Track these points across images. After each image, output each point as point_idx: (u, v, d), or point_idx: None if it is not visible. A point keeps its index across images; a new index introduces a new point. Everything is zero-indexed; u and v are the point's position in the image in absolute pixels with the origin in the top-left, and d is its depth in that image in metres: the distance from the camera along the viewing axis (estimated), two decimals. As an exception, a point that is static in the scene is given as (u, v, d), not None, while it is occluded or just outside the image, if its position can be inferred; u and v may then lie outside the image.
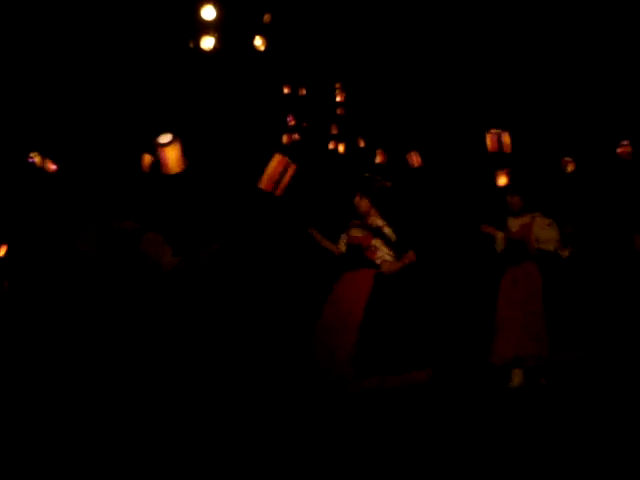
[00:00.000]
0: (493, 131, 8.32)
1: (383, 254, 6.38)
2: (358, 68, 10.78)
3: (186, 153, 5.57)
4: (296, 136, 10.53)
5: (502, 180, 8.47)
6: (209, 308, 7.73)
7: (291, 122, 10.59)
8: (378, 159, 10.58)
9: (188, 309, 7.18)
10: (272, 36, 9.29)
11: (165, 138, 5.49)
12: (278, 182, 6.19)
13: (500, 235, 7.18)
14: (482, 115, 9.92)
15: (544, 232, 6.84)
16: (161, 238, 5.56)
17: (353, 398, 5.59)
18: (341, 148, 10.80)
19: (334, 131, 10.87)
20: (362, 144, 10.82)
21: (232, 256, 7.38)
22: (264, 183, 6.17)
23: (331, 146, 10.81)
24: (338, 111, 10.95)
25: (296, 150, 10.47)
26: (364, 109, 11.02)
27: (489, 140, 8.26)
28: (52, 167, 8.47)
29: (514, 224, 7.06)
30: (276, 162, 6.18)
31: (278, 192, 6.21)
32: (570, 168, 9.41)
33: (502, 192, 7.72)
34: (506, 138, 8.25)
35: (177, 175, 5.55)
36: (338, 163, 10.73)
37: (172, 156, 5.47)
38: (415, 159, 10.38)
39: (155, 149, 5.49)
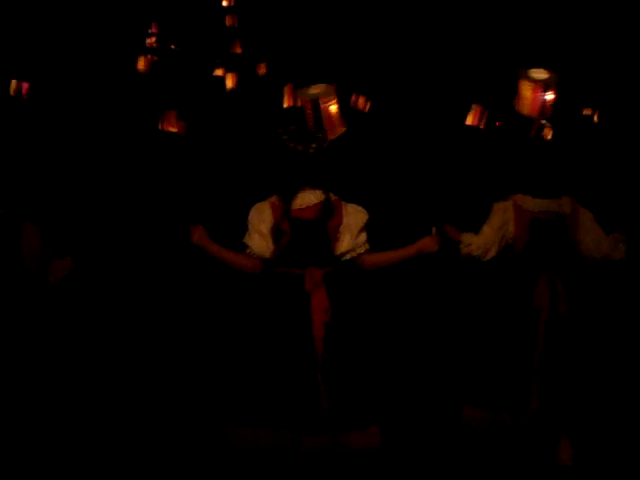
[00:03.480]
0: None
1: None
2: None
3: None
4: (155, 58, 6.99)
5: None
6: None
7: (152, 41, 7.00)
8: (287, 101, 6.66)
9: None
10: None
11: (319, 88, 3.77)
12: None
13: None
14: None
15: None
16: (39, 232, 3.87)
17: None
18: (229, 81, 6.93)
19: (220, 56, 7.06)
20: (263, 71, 6.95)
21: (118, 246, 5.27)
22: None
23: (218, 73, 7.02)
24: (227, 22, 6.96)
25: (159, 82, 7.06)
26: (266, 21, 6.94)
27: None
28: None
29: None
30: None
31: None
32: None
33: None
34: None
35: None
36: (227, 105, 7.00)
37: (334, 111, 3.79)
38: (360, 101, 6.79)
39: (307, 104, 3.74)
